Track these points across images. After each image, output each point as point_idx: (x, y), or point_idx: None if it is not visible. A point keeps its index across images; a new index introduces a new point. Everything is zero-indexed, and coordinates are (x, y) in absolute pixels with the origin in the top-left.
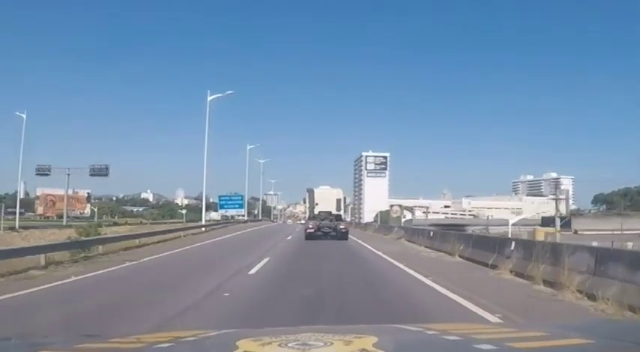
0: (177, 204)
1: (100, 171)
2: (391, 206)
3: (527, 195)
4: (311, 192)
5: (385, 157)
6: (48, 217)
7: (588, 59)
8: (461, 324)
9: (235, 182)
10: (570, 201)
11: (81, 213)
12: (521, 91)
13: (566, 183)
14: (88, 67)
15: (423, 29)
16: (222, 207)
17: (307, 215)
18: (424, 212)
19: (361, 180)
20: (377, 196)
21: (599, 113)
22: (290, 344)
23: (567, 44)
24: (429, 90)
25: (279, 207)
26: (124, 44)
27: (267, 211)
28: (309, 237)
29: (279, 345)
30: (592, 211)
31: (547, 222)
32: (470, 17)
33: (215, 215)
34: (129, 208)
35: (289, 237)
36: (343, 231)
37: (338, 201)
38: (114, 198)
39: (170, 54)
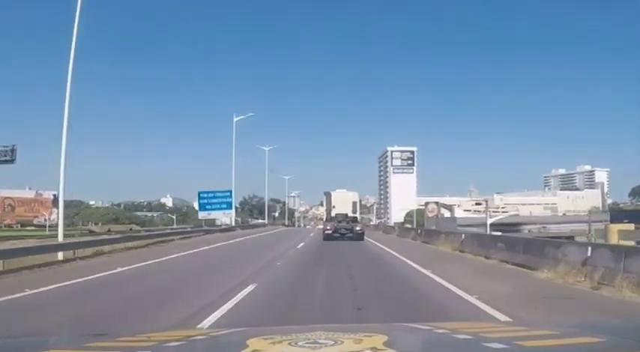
0: (193, 208)
1: (4, 156)
2: (426, 203)
3: (560, 190)
4: (328, 195)
5: (412, 152)
6: (10, 225)
7: (611, 52)
8: (471, 323)
9: (252, 186)
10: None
11: (45, 220)
12: (548, 85)
13: (601, 176)
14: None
15: (445, 25)
16: (203, 207)
17: (325, 217)
18: (465, 209)
19: (387, 177)
20: (404, 194)
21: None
22: (300, 343)
23: (594, 37)
24: (451, 86)
25: (301, 208)
26: (130, 47)
27: (289, 213)
28: (327, 237)
29: (290, 344)
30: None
31: (617, 216)
32: (495, 13)
33: (226, 219)
34: (143, 214)
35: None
36: (359, 232)
37: (354, 203)
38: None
39: (181, 59)
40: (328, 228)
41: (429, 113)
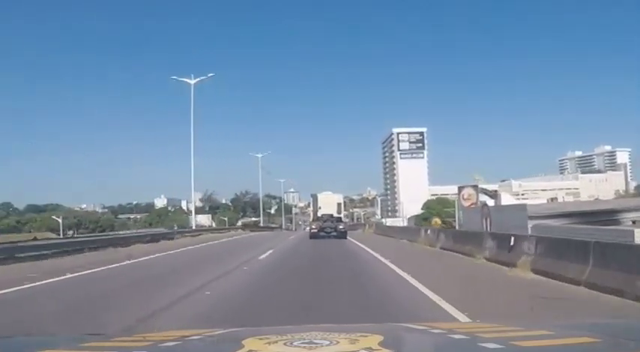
0: (181, 208)
1: None
2: (459, 188)
3: (581, 173)
4: (314, 197)
5: (421, 133)
6: None
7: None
8: (467, 323)
9: (245, 183)
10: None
11: None
12: (560, 67)
13: (622, 157)
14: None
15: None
16: None
17: (312, 217)
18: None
19: (393, 163)
20: (414, 183)
21: None
22: (296, 343)
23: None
24: (454, 70)
25: (300, 204)
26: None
27: (287, 210)
28: (313, 236)
29: (285, 344)
30: None
31: None
32: None
33: (204, 219)
34: (126, 216)
35: None
36: (342, 230)
37: (339, 204)
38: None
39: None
40: (314, 227)
41: (431, 98)
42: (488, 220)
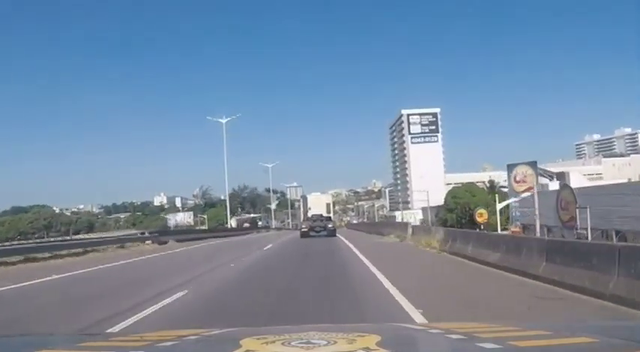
0: (175, 206)
1: None
2: (509, 167)
3: (603, 157)
4: (304, 198)
5: (435, 114)
6: None
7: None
8: (465, 323)
9: (242, 177)
10: None
11: None
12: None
13: None
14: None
15: None
16: None
17: (302, 217)
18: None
19: (403, 149)
20: (428, 170)
21: None
22: (293, 343)
23: None
24: (458, 52)
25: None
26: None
27: (286, 205)
28: (303, 235)
29: (283, 344)
30: None
31: None
32: None
33: (186, 217)
34: (116, 216)
35: None
36: (331, 229)
37: (327, 205)
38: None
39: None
40: (304, 226)
41: (438, 88)
42: (579, 211)
